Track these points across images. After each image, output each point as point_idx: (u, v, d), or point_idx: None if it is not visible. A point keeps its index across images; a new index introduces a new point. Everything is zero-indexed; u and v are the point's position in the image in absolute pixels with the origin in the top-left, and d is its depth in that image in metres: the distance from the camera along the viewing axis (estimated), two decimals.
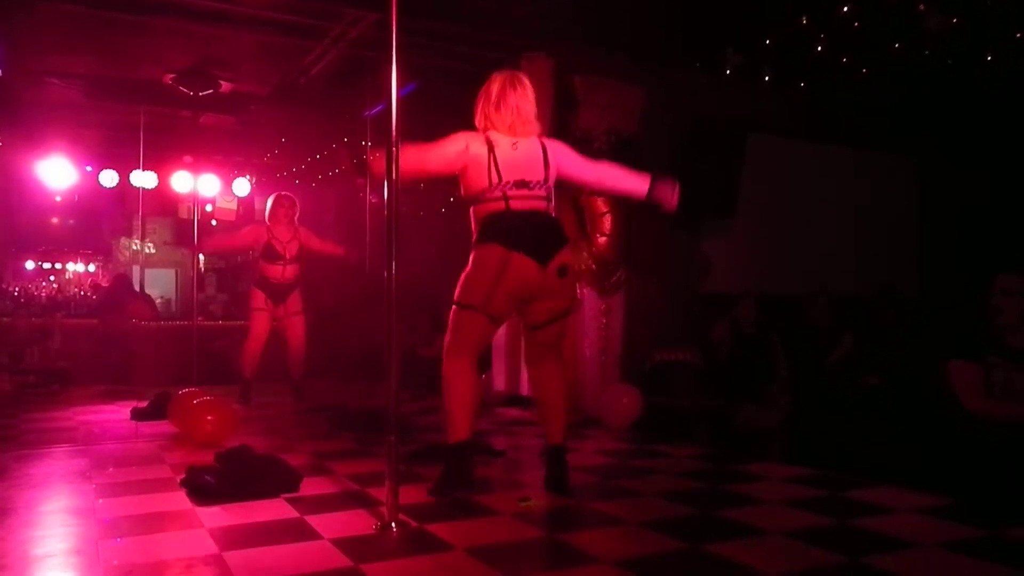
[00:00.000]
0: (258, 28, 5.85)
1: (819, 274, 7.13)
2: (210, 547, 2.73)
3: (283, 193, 6.76)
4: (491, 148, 3.47)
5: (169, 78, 7.15)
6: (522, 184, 3.43)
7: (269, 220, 6.62)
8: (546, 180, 3.50)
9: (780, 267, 7.32)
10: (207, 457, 3.77)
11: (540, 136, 3.60)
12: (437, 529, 2.93)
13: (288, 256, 6.61)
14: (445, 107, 7.43)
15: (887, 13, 5.89)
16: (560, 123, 5.93)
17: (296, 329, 6.77)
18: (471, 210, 3.55)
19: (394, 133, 3.10)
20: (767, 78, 6.84)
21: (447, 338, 3.50)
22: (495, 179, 3.42)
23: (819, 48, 6.35)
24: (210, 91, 7.34)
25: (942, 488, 3.42)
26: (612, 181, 3.72)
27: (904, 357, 5.49)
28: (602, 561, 2.57)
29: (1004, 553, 2.66)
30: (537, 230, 3.42)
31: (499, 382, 6.21)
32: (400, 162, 3.11)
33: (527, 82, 3.62)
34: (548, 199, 3.51)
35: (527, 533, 2.91)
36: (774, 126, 7.24)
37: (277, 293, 6.65)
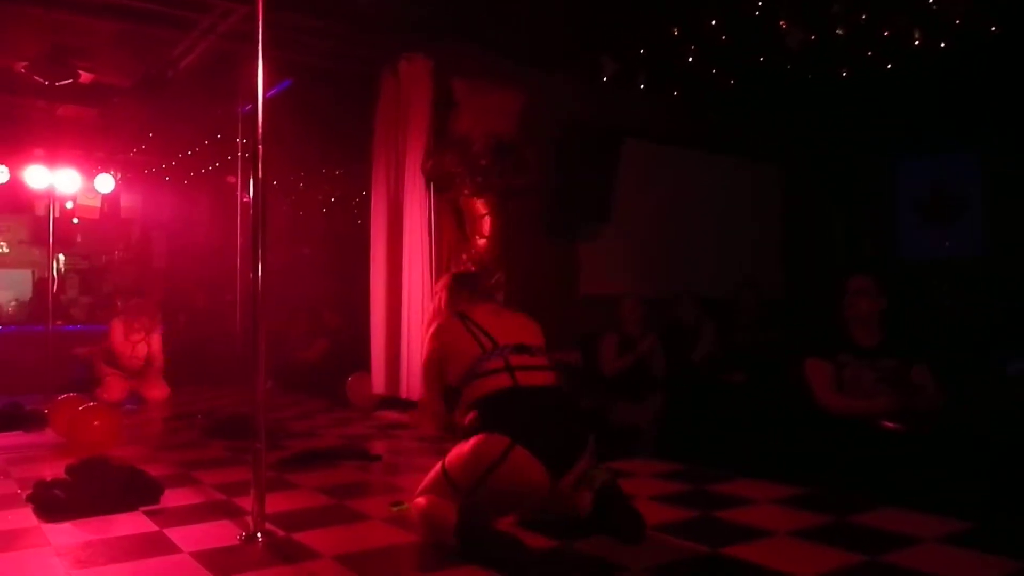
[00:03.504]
0: (115, 16, 5.55)
1: (690, 277, 7.40)
2: (55, 567, 2.57)
3: (143, 300, 7.32)
4: (465, 316, 3.05)
5: (22, 66, 6.68)
6: (522, 349, 2.90)
7: (126, 321, 6.97)
8: (544, 348, 3.04)
9: (655, 270, 7.55)
10: (58, 470, 3.54)
11: None
12: (305, 537, 2.86)
13: (138, 355, 6.96)
14: (323, 104, 7.32)
15: (752, 28, 6.17)
16: (439, 125, 5.91)
17: (157, 390, 6.99)
18: (463, 393, 2.93)
19: (260, 130, 3.02)
20: (642, 86, 7.04)
21: (423, 484, 2.86)
22: (487, 343, 2.88)
23: (690, 59, 6.59)
24: (68, 81, 6.90)
25: (798, 480, 3.62)
26: None
27: (767, 356, 5.78)
28: (474, 563, 2.57)
29: (847, 537, 2.83)
30: (557, 426, 2.77)
31: (377, 384, 6.12)
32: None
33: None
34: (553, 371, 2.99)
35: (398, 538, 2.87)
36: (648, 132, 7.47)
37: (133, 373, 6.96)
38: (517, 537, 2.64)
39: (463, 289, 3.31)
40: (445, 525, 2.65)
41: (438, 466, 2.87)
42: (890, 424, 3.69)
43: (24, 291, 10.71)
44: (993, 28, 5.66)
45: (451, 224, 6.02)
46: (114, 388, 6.69)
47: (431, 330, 3.19)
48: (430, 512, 2.75)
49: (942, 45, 5.83)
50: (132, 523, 3.07)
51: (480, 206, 5.82)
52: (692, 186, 7.99)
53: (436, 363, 3.12)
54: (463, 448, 2.77)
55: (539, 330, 3.13)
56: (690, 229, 7.93)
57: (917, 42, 5.78)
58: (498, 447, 2.65)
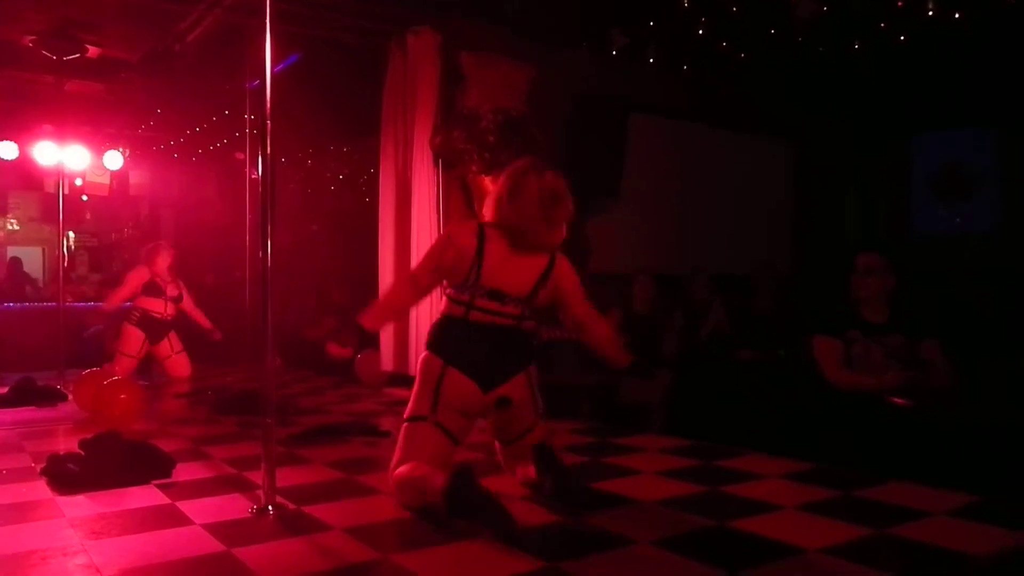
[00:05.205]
0: None
1: (700, 253, 7.37)
2: (70, 537, 2.60)
3: (162, 243, 6.98)
4: (482, 240, 2.98)
5: (29, 40, 6.66)
6: (496, 295, 2.97)
7: (149, 266, 6.74)
8: (530, 298, 3.04)
9: (663, 247, 7.53)
10: (71, 445, 3.58)
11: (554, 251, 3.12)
12: (315, 510, 2.89)
13: (169, 294, 6.77)
14: (330, 80, 7.28)
15: (763, 0, 6.10)
16: (447, 100, 5.88)
17: (181, 367, 6.86)
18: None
19: (268, 106, 3.01)
20: (651, 60, 6.97)
21: (394, 458, 2.99)
22: (472, 277, 2.96)
23: (700, 32, 6.52)
24: (76, 55, 6.88)
25: (806, 455, 3.62)
26: (596, 335, 3.23)
27: (777, 333, 5.77)
28: (483, 537, 2.59)
29: (855, 511, 2.84)
30: (489, 350, 2.98)
31: (386, 362, 6.14)
32: (394, 302, 3.31)
33: (559, 180, 3.14)
34: (521, 317, 3.05)
35: (407, 511, 2.89)
36: (658, 108, 7.41)
37: (157, 330, 6.73)
38: (503, 505, 2.61)
39: (514, 216, 3.01)
40: (430, 487, 2.70)
41: (402, 426, 3.05)
42: (899, 400, 3.69)
43: (35, 268, 10.79)
44: None
45: (459, 201, 6.01)
46: (122, 366, 6.57)
47: (453, 227, 3.27)
48: (413, 476, 2.82)
49: (956, 16, 5.75)
50: (145, 496, 3.10)
51: (488, 183, 5.79)
52: (702, 162, 7.94)
53: (434, 257, 3.08)
54: (415, 384, 3.07)
55: (540, 279, 3.04)
56: (700, 205, 7.88)
57: (931, 13, 5.70)
58: (436, 367, 2.98)
